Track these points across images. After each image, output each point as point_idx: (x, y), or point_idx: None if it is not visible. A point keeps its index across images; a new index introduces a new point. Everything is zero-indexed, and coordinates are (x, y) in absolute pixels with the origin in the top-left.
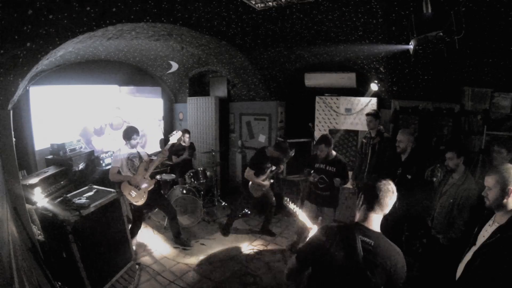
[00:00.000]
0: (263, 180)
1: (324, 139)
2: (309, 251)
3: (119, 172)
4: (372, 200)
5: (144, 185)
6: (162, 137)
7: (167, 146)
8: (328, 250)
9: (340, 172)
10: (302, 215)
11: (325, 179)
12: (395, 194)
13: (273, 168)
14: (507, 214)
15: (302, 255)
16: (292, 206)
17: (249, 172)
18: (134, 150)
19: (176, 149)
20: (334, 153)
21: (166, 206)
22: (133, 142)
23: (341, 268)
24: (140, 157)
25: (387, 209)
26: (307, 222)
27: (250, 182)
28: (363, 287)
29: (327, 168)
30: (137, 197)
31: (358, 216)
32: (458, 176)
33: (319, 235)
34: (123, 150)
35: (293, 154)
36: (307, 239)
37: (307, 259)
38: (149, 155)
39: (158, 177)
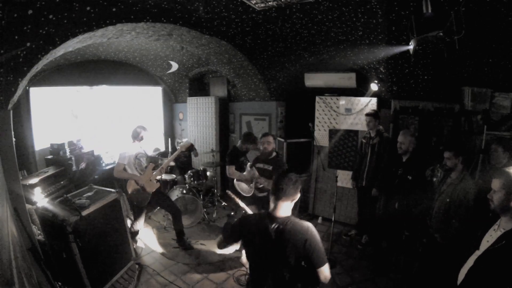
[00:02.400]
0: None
1: (268, 133)
2: (230, 234)
3: (125, 170)
4: (278, 192)
5: (149, 187)
6: (163, 137)
7: (174, 155)
8: (247, 234)
9: (276, 169)
10: (241, 203)
11: (262, 179)
12: (298, 181)
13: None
14: None
15: (226, 234)
16: (233, 196)
17: (230, 169)
18: (141, 150)
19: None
20: (274, 152)
21: (170, 206)
22: (142, 140)
23: (260, 248)
24: (147, 156)
25: (292, 197)
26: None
27: (235, 182)
28: (281, 260)
29: (264, 166)
30: (141, 197)
31: (270, 206)
32: (456, 176)
33: (238, 223)
34: (131, 148)
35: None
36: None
37: (228, 239)
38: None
39: (158, 177)
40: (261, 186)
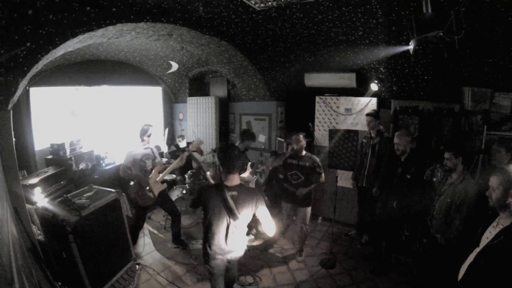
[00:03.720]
0: (248, 175)
1: (298, 132)
2: (196, 201)
3: (130, 170)
4: (228, 167)
5: (154, 189)
6: (163, 137)
7: (184, 155)
8: (208, 201)
9: (311, 167)
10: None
11: (299, 174)
12: (240, 155)
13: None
14: (511, 216)
15: (192, 203)
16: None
17: None
18: (148, 151)
19: (174, 152)
20: (305, 151)
21: (171, 208)
22: (150, 136)
23: (218, 210)
24: (154, 158)
25: (237, 170)
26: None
27: None
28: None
29: (300, 163)
30: (146, 198)
31: (223, 177)
32: (456, 176)
33: (200, 193)
34: (137, 149)
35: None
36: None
37: (195, 205)
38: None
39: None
40: (296, 182)
